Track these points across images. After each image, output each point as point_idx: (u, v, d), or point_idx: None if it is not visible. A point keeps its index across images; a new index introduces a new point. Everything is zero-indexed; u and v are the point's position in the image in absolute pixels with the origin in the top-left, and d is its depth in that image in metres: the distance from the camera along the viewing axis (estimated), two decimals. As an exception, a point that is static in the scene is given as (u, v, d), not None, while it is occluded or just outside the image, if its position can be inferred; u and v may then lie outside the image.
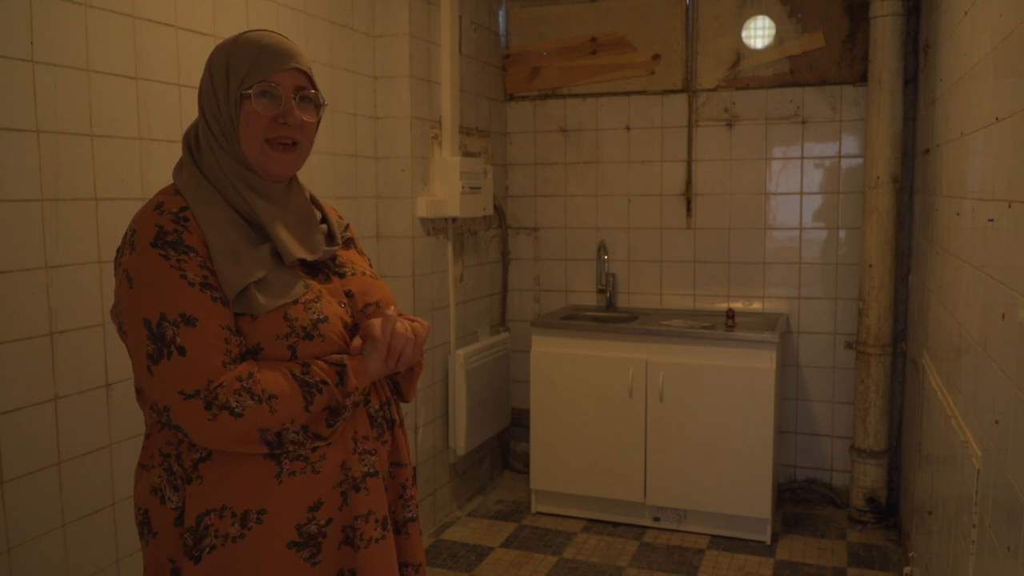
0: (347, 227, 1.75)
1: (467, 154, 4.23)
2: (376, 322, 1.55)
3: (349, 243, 1.75)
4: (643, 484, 3.98)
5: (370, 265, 1.80)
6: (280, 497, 1.46)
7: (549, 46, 4.61)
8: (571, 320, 4.27)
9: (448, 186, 3.91)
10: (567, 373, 4.07)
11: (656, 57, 4.43)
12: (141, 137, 2.44)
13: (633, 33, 4.46)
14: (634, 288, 4.59)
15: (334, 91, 3.46)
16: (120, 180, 2.37)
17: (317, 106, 1.59)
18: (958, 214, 2.36)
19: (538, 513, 4.23)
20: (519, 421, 4.74)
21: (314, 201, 1.69)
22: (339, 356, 1.51)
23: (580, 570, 3.61)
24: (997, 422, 1.66)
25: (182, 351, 1.39)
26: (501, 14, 4.66)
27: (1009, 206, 1.64)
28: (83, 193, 2.25)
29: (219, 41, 1.59)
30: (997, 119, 1.80)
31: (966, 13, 2.35)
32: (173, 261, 1.42)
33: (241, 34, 1.56)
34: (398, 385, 1.72)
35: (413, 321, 1.63)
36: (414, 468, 1.87)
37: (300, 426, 1.45)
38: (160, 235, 1.43)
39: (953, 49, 2.64)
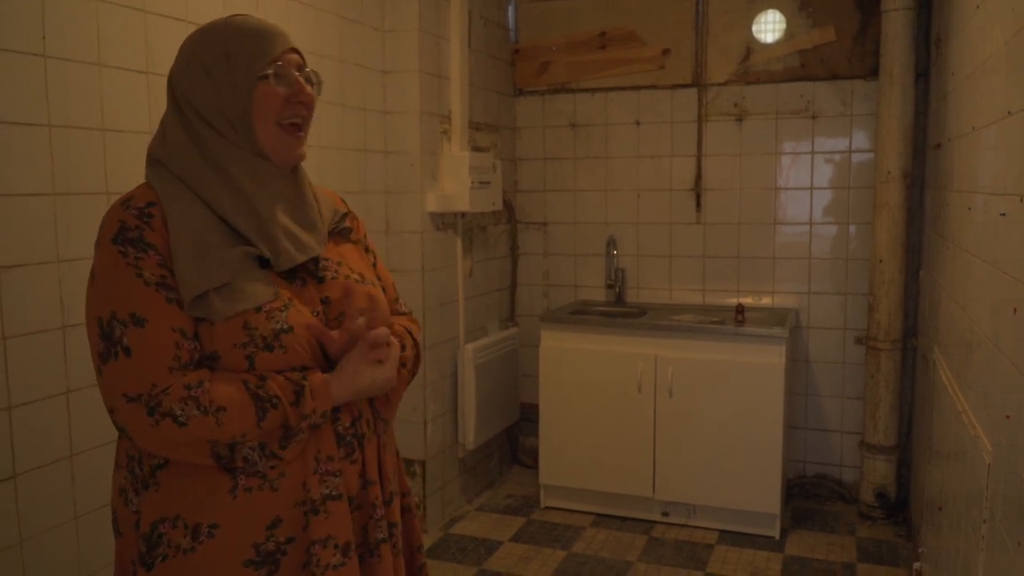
0: (344, 217, 1.66)
1: (476, 149, 4.23)
2: (359, 321, 1.48)
3: (344, 234, 1.65)
4: (652, 479, 3.98)
5: (373, 262, 1.71)
6: (233, 513, 1.39)
7: (558, 41, 4.61)
8: (580, 315, 4.27)
9: (457, 181, 3.91)
10: (576, 368, 4.07)
11: (666, 51, 4.42)
12: (152, 132, 2.44)
13: (642, 27, 4.45)
14: (643, 283, 4.59)
15: (344, 86, 3.47)
16: (131, 174, 2.37)
17: (313, 83, 1.54)
18: (969, 209, 2.35)
19: (547, 507, 4.24)
20: (528, 416, 4.75)
21: (313, 191, 1.60)
22: (299, 375, 1.42)
23: (589, 564, 3.62)
24: (1008, 417, 1.65)
25: (128, 352, 1.34)
26: (510, 9, 4.66)
27: (1021, 200, 1.63)
28: (94, 187, 2.26)
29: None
30: (1009, 113, 1.79)
31: (978, 7, 2.34)
32: (130, 259, 1.36)
33: (226, 20, 1.50)
34: (374, 401, 1.59)
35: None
36: (408, 488, 1.77)
37: (256, 443, 1.39)
38: (121, 231, 1.38)
39: (965, 43, 2.63)
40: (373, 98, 3.68)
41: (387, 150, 3.78)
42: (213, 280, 1.38)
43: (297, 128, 1.50)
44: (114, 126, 2.32)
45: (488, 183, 4.08)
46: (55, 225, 2.16)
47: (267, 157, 1.48)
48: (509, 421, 4.60)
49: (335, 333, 1.47)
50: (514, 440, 4.85)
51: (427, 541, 3.81)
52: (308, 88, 1.50)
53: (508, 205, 4.65)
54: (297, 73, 1.49)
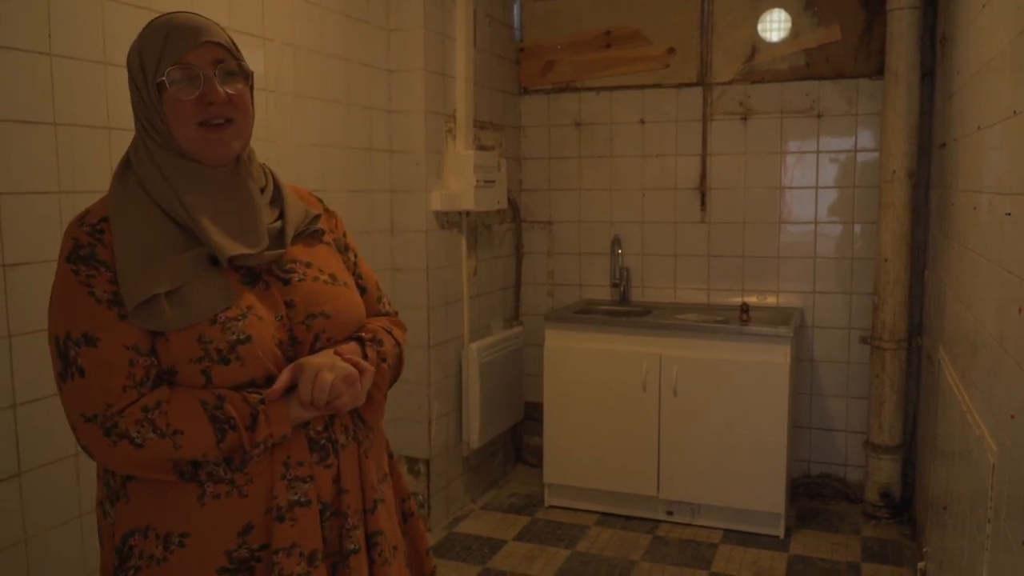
0: (316, 218, 1.58)
1: (481, 148, 4.23)
2: (309, 368, 1.41)
3: (316, 236, 1.59)
4: (656, 478, 3.98)
5: (353, 260, 1.66)
6: (203, 520, 1.37)
7: (563, 40, 4.61)
8: (585, 314, 4.27)
9: (462, 180, 3.91)
10: (581, 367, 4.07)
11: (671, 50, 4.41)
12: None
13: (647, 26, 4.44)
14: (648, 282, 4.59)
15: (349, 84, 3.47)
16: (136, 173, 2.38)
17: (244, 76, 1.45)
18: (975, 208, 2.35)
19: (551, 506, 4.24)
20: (532, 415, 4.75)
21: (278, 189, 1.54)
22: (258, 397, 1.38)
23: (593, 563, 3.62)
24: (1013, 417, 1.65)
25: (82, 372, 1.32)
26: (515, 7, 4.65)
27: (1026, 200, 1.63)
28: (100, 186, 2.26)
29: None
30: (1015, 113, 1.79)
31: (984, 6, 2.33)
32: (82, 277, 1.34)
33: (150, 21, 1.45)
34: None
35: (355, 363, 1.47)
36: (407, 492, 1.69)
37: (220, 459, 1.36)
38: (75, 249, 1.36)
39: (970, 42, 2.62)
40: (378, 97, 3.69)
41: (392, 149, 3.79)
42: (161, 284, 1.34)
43: (220, 127, 1.42)
44: (120, 124, 2.32)
45: (493, 182, 4.08)
46: (60, 224, 2.16)
47: (194, 159, 1.42)
48: (513, 420, 4.60)
49: (285, 375, 1.40)
50: (518, 439, 4.85)
51: (431, 540, 3.82)
52: (219, 88, 1.40)
53: (513, 204, 4.65)
54: (214, 70, 1.41)
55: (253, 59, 2.83)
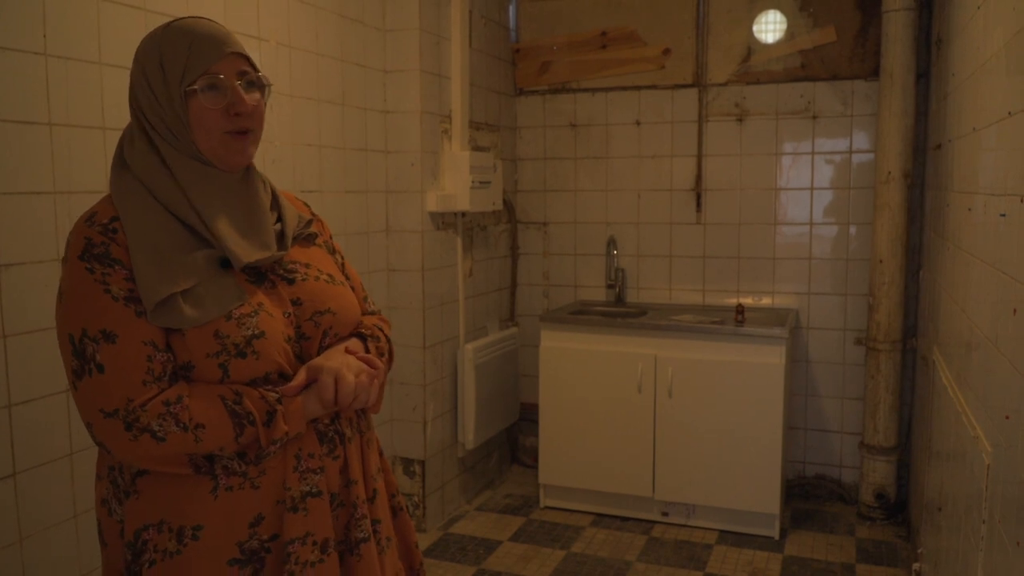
0: (309, 222, 1.65)
1: (477, 148, 4.23)
2: (328, 369, 1.47)
3: (311, 239, 1.65)
4: (652, 479, 3.98)
5: (341, 264, 1.72)
6: (216, 513, 1.40)
7: (559, 40, 4.61)
8: (580, 315, 4.27)
9: (458, 180, 3.91)
10: (576, 368, 4.07)
11: (667, 51, 4.42)
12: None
13: (644, 27, 4.45)
14: (643, 283, 4.59)
15: (345, 85, 3.47)
16: (132, 173, 2.37)
17: (262, 87, 1.50)
18: (969, 209, 2.35)
19: (546, 507, 4.24)
20: (528, 416, 4.75)
21: (274, 193, 1.60)
22: (275, 395, 1.43)
23: (588, 564, 3.62)
24: (1007, 417, 1.65)
25: (101, 368, 1.34)
26: (511, 8, 4.65)
27: (1021, 201, 1.63)
28: (95, 186, 2.26)
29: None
30: (1010, 114, 1.79)
31: (979, 7, 2.33)
32: (97, 275, 1.36)
33: (169, 24, 1.47)
34: None
35: (369, 361, 1.54)
36: (396, 487, 1.74)
37: (234, 453, 1.40)
38: (88, 247, 1.38)
39: (966, 44, 2.63)
40: (374, 97, 3.69)
41: (388, 149, 3.79)
42: (177, 284, 1.37)
43: (243, 135, 1.47)
44: (115, 125, 2.32)
45: (488, 183, 4.08)
46: (55, 224, 2.16)
47: (211, 163, 1.46)
48: (509, 421, 4.60)
49: (302, 374, 1.46)
50: (514, 440, 4.85)
51: (426, 540, 3.81)
52: (247, 98, 1.45)
53: (508, 205, 4.65)
54: (238, 81, 1.45)
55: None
